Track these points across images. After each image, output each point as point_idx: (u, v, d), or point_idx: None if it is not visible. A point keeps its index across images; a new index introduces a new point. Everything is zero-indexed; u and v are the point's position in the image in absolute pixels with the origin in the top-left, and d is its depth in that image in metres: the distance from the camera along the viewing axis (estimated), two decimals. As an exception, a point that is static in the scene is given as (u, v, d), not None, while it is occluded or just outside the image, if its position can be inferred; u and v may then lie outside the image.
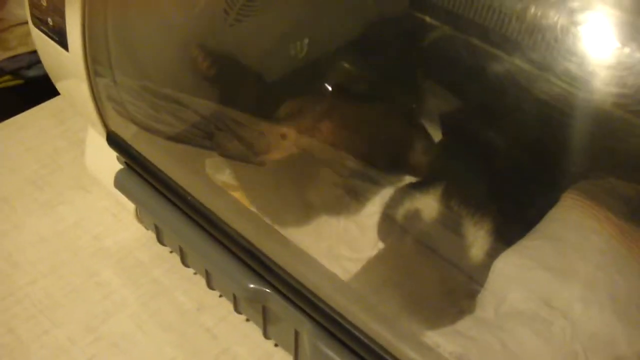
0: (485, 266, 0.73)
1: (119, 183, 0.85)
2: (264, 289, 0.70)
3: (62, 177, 1.13)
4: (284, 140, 0.81)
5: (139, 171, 0.81)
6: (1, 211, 1.07)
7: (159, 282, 0.97)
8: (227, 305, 0.91)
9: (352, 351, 0.66)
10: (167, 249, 0.98)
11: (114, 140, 0.82)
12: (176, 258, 0.94)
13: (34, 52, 1.25)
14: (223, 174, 0.83)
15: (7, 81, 1.30)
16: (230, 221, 0.72)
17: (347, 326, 0.64)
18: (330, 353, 0.67)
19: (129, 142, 0.81)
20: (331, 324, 0.65)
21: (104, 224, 1.05)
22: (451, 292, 0.75)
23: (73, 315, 0.93)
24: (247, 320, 0.90)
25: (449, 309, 0.74)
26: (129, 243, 1.02)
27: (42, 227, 1.05)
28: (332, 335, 0.67)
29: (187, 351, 0.88)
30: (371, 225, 0.85)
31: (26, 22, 0.83)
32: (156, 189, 0.80)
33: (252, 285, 0.70)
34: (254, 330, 0.89)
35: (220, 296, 0.92)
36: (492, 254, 0.74)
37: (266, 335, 0.81)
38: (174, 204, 0.78)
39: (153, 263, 0.99)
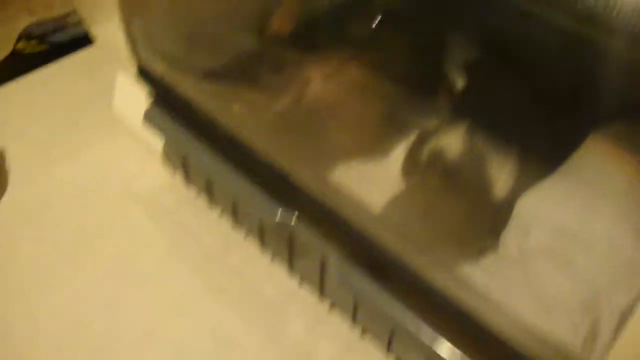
0: (509, 203, 0.74)
1: (148, 117, 0.85)
2: (292, 213, 0.71)
3: (92, 122, 1.15)
4: (322, 77, 0.81)
5: (167, 106, 0.81)
6: (33, 155, 1.09)
7: (186, 225, 0.98)
8: (252, 247, 0.92)
9: (379, 280, 0.66)
10: (192, 194, 1.00)
11: (144, 72, 0.83)
12: (202, 202, 0.95)
13: (59, 18, 1.26)
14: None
15: (33, 46, 1.32)
16: (259, 147, 0.72)
17: (376, 253, 0.65)
18: (358, 283, 0.67)
19: (160, 76, 0.81)
20: (360, 252, 0.66)
21: (131, 169, 1.07)
22: (475, 228, 0.76)
23: (102, 254, 0.95)
24: (273, 259, 0.91)
25: (473, 243, 0.75)
26: (156, 188, 1.04)
27: (73, 170, 1.07)
28: (360, 265, 0.68)
29: (214, 289, 0.90)
30: (395, 168, 0.86)
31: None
32: (185, 122, 0.81)
33: (280, 209, 0.71)
34: (279, 271, 0.91)
35: (246, 237, 0.94)
36: (516, 192, 0.74)
37: (292, 269, 0.82)
38: (203, 136, 0.78)
39: (179, 207, 1.01)
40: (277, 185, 0.72)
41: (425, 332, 0.64)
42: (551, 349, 0.64)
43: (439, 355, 0.63)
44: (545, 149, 0.80)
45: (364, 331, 0.80)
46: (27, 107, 1.19)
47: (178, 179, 0.98)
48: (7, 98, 1.21)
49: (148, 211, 1.01)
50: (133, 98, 0.91)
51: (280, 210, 0.71)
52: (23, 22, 1.30)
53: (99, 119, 1.15)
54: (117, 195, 1.03)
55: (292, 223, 0.72)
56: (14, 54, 1.28)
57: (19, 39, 1.29)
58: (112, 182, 1.05)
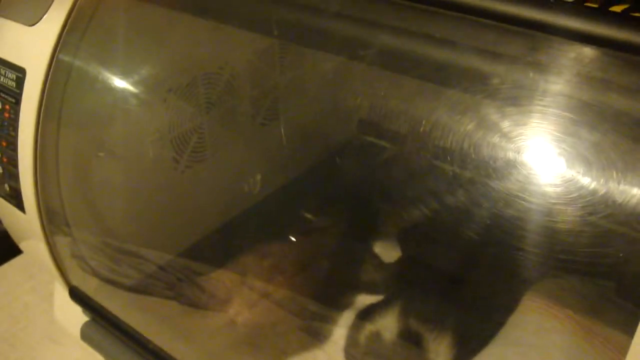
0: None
1: (85, 336, 0.85)
2: None
3: (34, 333, 1.13)
4: (242, 288, 0.83)
5: (103, 324, 0.81)
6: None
7: None
8: None
9: None
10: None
11: (76, 295, 0.83)
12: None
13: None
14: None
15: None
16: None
17: None
18: None
19: (92, 296, 0.82)
20: None
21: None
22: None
23: None
24: None
25: None
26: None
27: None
28: None
29: None
30: (338, 350, 0.86)
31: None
32: (121, 341, 0.80)
33: None
34: None
35: None
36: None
37: None
38: (141, 353, 0.78)
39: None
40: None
41: None
42: None
43: None
44: (479, 318, 0.81)
45: None
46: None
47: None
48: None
49: None
50: (73, 308, 0.91)
51: None
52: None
53: (42, 325, 1.13)
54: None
55: None
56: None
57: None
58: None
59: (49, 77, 0.72)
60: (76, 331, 0.90)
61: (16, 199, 0.80)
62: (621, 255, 0.71)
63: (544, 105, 0.62)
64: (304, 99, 1.01)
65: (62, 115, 0.75)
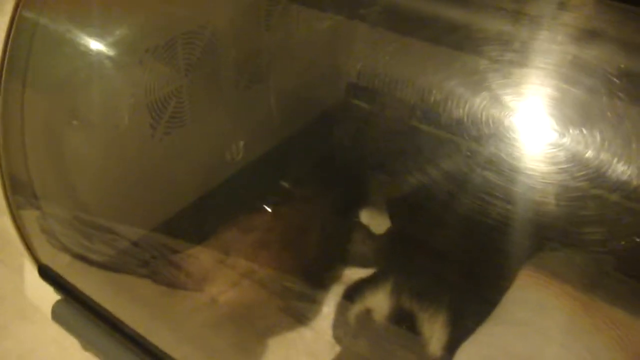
0: (447, 360, 0.70)
1: (56, 315, 0.80)
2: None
3: (5, 310, 1.08)
4: (223, 266, 0.79)
5: (74, 303, 0.77)
6: None
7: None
8: None
9: None
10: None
11: (46, 273, 0.78)
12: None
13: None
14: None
15: None
16: (172, 351, 0.68)
17: None
18: None
19: (63, 274, 0.77)
20: None
21: (49, 355, 0.99)
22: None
23: None
24: None
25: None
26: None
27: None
28: None
29: None
30: (326, 327, 0.82)
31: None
32: (94, 320, 0.76)
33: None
34: None
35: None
36: (452, 347, 0.71)
37: None
38: (114, 335, 0.74)
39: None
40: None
41: None
42: None
43: None
44: (475, 295, 0.78)
45: None
46: None
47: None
48: None
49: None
50: (44, 288, 0.86)
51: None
52: None
53: (13, 301, 1.08)
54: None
55: None
56: None
57: None
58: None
59: (11, 33, 0.66)
60: (48, 310, 0.85)
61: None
62: (623, 228, 0.68)
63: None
64: (291, 62, 0.96)
65: (28, 76, 0.70)
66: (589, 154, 0.60)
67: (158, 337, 0.70)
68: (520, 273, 0.74)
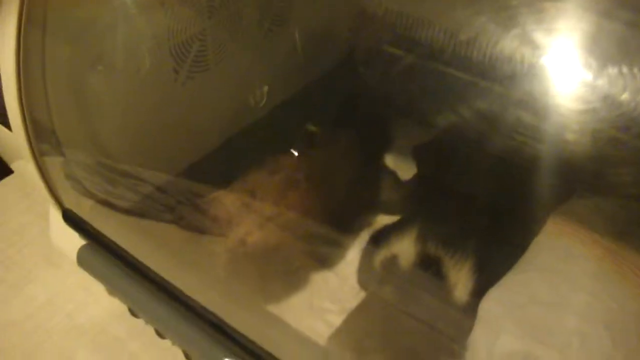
0: (472, 307, 0.69)
1: (82, 260, 0.80)
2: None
3: (30, 254, 1.09)
4: (249, 208, 0.78)
5: (99, 248, 0.77)
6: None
7: (137, 357, 0.92)
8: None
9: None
10: (142, 321, 0.94)
11: (70, 218, 0.78)
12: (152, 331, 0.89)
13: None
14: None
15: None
16: (198, 296, 0.68)
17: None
18: None
19: (87, 219, 0.77)
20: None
21: (76, 300, 1.00)
22: (438, 338, 0.72)
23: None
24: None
25: (439, 355, 0.71)
26: (103, 318, 0.96)
27: (11, 310, 1.00)
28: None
29: None
30: (351, 273, 0.82)
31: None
32: (120, 265, 0.76)
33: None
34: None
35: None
36: (478, 293, 0.70)
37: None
38: (140, 280, 0.74)
39: (129, 337, 0.93)
40: (218, 333, 0.66)
41: None
42: None
43: None
44: (502, 241, 0.77)
45: None
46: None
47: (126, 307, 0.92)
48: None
49: (96, 344, 0.94)
50: (70, 230, 0.86)
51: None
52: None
53: (39, 247, 1.09)
54: (62, 331, 0.96)
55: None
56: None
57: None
58: (55, 317, 0.98)
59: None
60: (74, 255, 0.86)
61: (2, 116, 0.74)
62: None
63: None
64: (314, 2, 0.94)
65: (48, 22, 0.68)
66: (626, 95, 0.58)
67: (183, 282, 0.69)
68: (549, 220, 0.73)
